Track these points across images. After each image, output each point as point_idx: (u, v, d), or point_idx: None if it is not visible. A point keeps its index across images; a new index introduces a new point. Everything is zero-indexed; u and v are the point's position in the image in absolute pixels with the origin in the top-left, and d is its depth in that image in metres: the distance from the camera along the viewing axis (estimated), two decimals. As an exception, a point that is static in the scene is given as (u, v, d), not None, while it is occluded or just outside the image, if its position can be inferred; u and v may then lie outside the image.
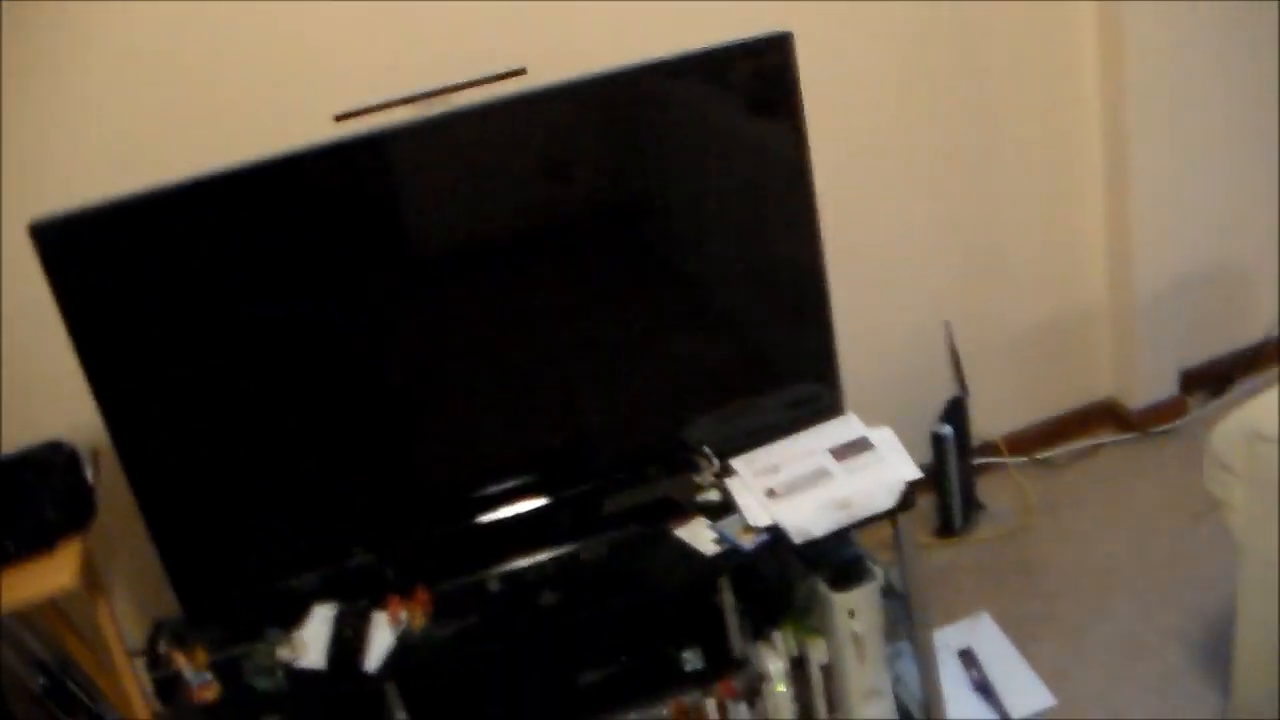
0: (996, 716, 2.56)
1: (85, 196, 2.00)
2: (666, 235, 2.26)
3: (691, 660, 2.37)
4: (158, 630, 2.27)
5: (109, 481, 2.33)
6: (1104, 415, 3.37)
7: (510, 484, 2.28)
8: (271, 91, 2.34)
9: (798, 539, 2.15)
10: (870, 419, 2.33)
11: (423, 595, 2.16)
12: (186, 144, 2.31)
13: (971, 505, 3.13)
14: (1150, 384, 3.27)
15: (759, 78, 2.19)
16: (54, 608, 2.42)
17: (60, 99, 2.23)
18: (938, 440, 2.96)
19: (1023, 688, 2.62)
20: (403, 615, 2.14)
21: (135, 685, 2.49)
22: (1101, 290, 3.20)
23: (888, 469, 2.23)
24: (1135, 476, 3.18)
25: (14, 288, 2.43)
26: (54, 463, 2.27)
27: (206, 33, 2.25)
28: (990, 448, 3.26)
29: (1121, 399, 3.33)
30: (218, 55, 2.28)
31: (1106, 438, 3.34)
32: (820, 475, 2.23)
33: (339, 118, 2.17)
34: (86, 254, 2.01)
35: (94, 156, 2.31)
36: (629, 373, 2.29)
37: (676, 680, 2.37)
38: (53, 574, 2.20)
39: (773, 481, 2.23)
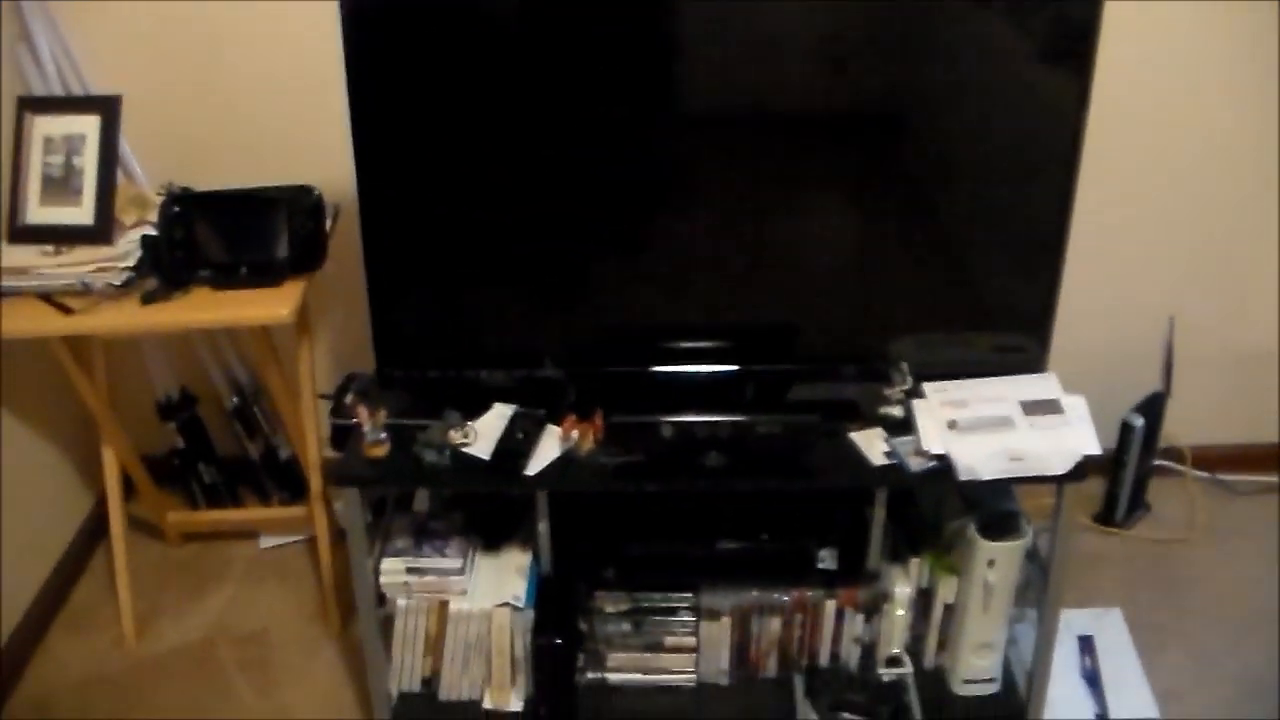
0: (1096, 709, 2.57)
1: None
2: (924, 154, 2.25)
3: (826, 559, 2.43)
4: (349, 382, 2.40)
5: (343, 238, 2.46)
6: (1300, 459, 3.28)
7: (710, 344, 2.34)
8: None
9: (963, 476, 2.17)
10: (1069, 386, 2.32)
11: (598, 421, 2.24)
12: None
13: (1139, 503, 3.10)
14: (1359, 441, 3.17)
15: (1060, 25, 2.15)
16: (265, 338, 2.59)
17: None
18: (1126, 429, 2.92)
19: (1131, 692, 2.62)
20: (574, 434, 2.23)
21: (314, 426, 2.67)
22: (1336, 333, 3.09)
23: (1070, 436, 2.22)
24: (1313, 527, 3.10)
25: (307, 45, 2.61)
26: (301, 205, 2.41)
27: None
28: (1175, 453, 3.20)
29: (1322, 448, 3.24)
30: None
31: (1296, 481, 3.25)
32: (1004, 422, 2.23)
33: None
34: (384, 22, 2.10)
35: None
36: (854, 273, 2.32)
37: (807, 574, 2.44)
38: (274, 305, 2.35)
39: (957, 414, 2.24)
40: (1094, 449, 2.21)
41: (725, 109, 2.22)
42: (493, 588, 2.42)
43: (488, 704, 2.50)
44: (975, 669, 2.48)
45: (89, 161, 2.47)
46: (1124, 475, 3.00)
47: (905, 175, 2.27)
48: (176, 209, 2.39)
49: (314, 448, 2.69)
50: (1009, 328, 2.36)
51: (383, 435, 2.26)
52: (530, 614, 2.41)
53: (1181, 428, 3.15)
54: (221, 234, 2.40)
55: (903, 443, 2.24)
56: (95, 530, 3.06)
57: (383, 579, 2.39)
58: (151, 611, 2.90)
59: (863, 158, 2.25)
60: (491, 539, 2.50)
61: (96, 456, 2.79)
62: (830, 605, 2.45)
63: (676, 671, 2.53)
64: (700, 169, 2.26)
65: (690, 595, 2.47)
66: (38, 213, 2.48)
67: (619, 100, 2.19)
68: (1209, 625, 2.79)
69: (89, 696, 2.69)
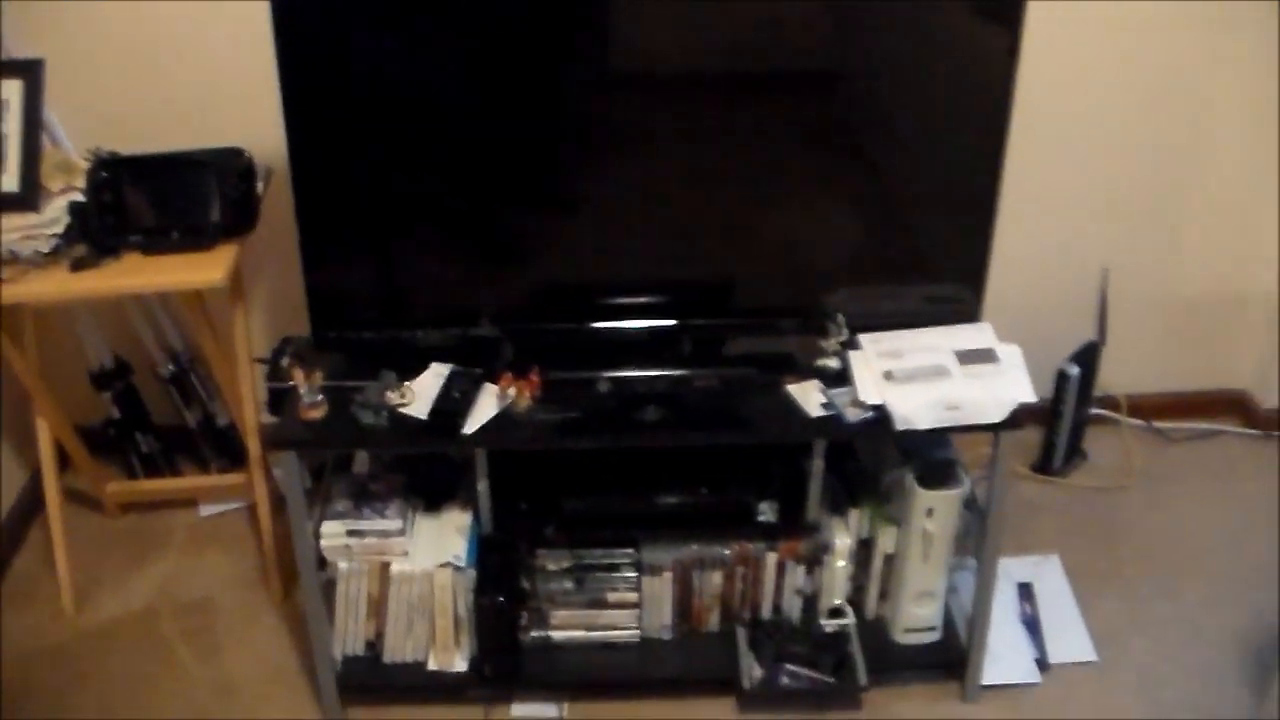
0: (1035, 654, 2.61)
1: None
2: (858, 108, 2.26)
3: (766, 512, 2.45)
4: (284, 345, 2.38)
5: (274, 202, 2.44)
6: (1233, 405, 3.32)
7: (647, 299, 2.34)
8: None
9: (900, 425, 2.19)
10: (1004, 335, 2.34)
11: (535, 378, 2.23)
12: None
13: (1076, 451, 3.14)
14: (1288, 387, 3.24)
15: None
16: (198, 303, 2.55)
17: None
18: (1062, 378, 2.96)
19: (1069, 636, 2.66)
20: (510, 391, 2.22)
21: (251, 391, 2.65)
22: (1266, 283, 3.13)
23: (1005, 385, 2.24)
24: (1246, 472, 3.15)
25: (234, 8, 2.59)
26: (230, 168, 2.38)
27: None
28: (1111, 401, 3.25)
29: (1255, 394, 3.28)
30: None
31: (1229, 427, 3.29)
32: (939, 372, 2.25)
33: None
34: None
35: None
36: (789, 226, 2.31)
37: (747, 527, 2.46)
38: (206, 268, 2.33)
39: (893, 365, 2.26)
40: (1029, 397, 2.23)
41: (658, 66, 2.22)
42: (434, 548, 2.41)
43: (432, 665, 2.50)
44: (916, 618, 2.51)
45: (12, 127, 2.42)
46: (1060, 424, 3.03)
47: (839, 129, 2.28)
48: (104, 174, 2.36)
49: (251, 413, 2.67)
50: (944, 278, 2.38)
51: (319, 398, 2.24)
52: (472, 573, 2.40)
53: (1117, 376, 3.19)
54: (151, 198, 2.37)
55: (840, 394, 2.25)
56: (32, 504, 3.02)
57: (323, 542, 2.37)
58: (92, 583, 2.87)
59: (797, 113, 2.26)
60: (431, 499, 2.49)
61: (30, 429, 2.76)
62: (771, 558, 2.47)
63: (620, 627, 2.53)
64: (634, 126, 2.25)
65: (631, 551, 2.48)
66: (-40, 181, 2.43)
67: (550, 58, 2.19)
68: (1145, 570, 2.84)
69: (31, 669, 2.66)
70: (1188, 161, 2.95)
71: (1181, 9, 2.73)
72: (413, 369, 2.29)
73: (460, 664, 2.50)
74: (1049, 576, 2.80)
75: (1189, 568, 2.84)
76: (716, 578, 2.49)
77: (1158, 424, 3.28)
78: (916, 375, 2.25)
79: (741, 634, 2.52)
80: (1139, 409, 3.27)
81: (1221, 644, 2.64)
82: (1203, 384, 3.30)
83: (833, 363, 2.31)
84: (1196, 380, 3.29)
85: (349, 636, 2.50)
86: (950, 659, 2.53)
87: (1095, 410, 3.18)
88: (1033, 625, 2.67)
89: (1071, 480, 3.12)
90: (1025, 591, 2.75)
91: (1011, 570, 2.78)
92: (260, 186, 2.46)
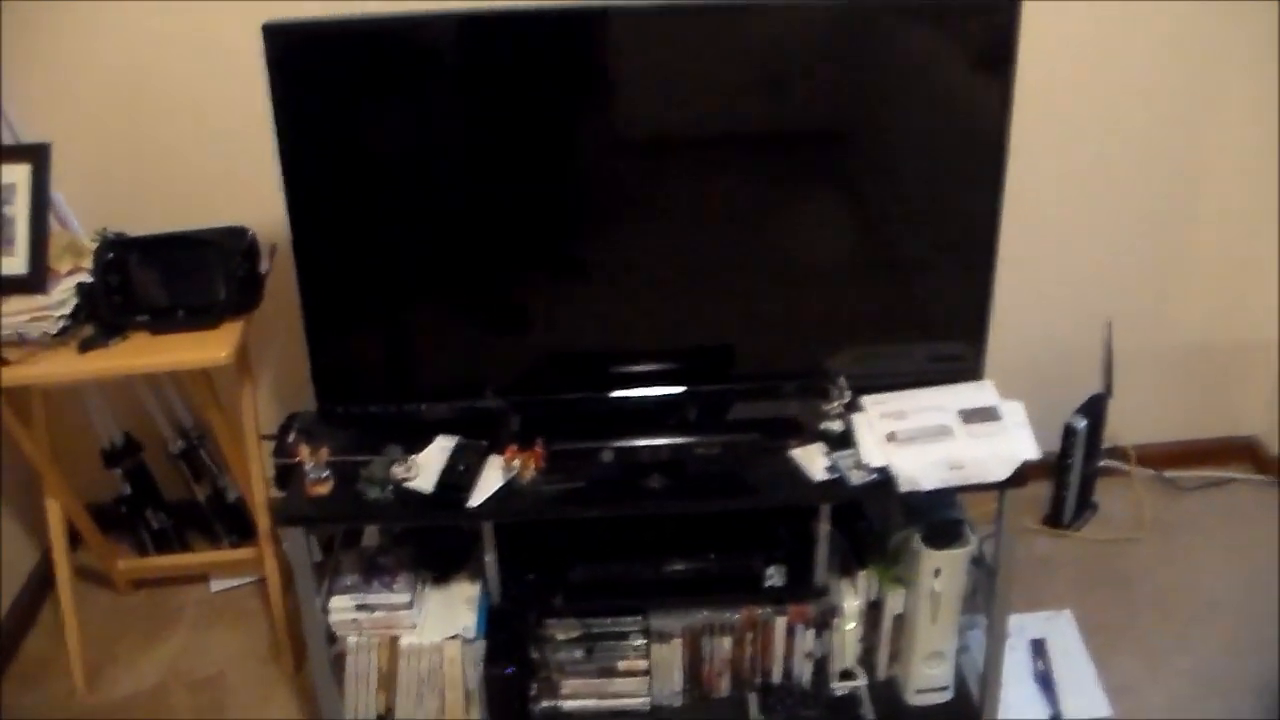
0: (1049, 710, 2.59)
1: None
2: (859, 168, 2.28)
3: (774, 577, 2.44)
4: (290, 421, 2.40)
5: (279, 278, 2.46)
6: (1243, 452, 3.31)
7: (649, 367, 2.35)
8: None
9: (904, 487, 2.19)
10: (1009, 392, 2.34)
11: (539, 449, 2.25)
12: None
13: (1086, 504, 3.13)
14: (1299, 433, 3.23)
15: (982, 35, 2.18)
16: (206, 380, 2.57)
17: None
18: (1069, 431, 2.95)
19: (1084, 692, 2.64)
20: (515, 463, 2.23)
21: (259, 467, 2.66)
22: (1270, 328, 3.13)
23: (1009, 443, 2.24)
24: (1259, 519, 3.13)
25: (234, 88, 2.60)
26: (234, 247, 2.41)
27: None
28: (1119, 453, 3.24)
29: (1265, 440, 3.27)
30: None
31: (1240, 474, 3.28)
32: (942, 432, 2.25)
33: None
34: (309, 62, 2.11)
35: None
36: (790, 290, 2.33)
37: (755, 592, 2.45)
38: (212, 347, 2.35)
39: (896, 426, 2.26)
40: (1032, 454, 2.23)
41: (658, 133, 2.24)
42: (442, 620, 2.42)
43: (443, 737, 2.50)
44: (928, 678, 2.50)
45: (20, 211, 2.45)
46: (1069, 477, 3.03)
47: (837, 190, 2.29)
48: (111, 255, 2.38)
49: (260, 488, 2.68)
50: (945, 337, 2.39)
51: (325, 473, 2.25)
52: (481, 645, 2.41)
53: (1125, 427, 3.18)
54: (157, 278, 2.40)
55: (843, 457, 2.25)
56: (43, 582, 3.03)
57: (332, 617, 2.38)
58: (104, 660, 2.87)
59: (796, 177, 2.27)
60: (440, 571, 2.49)
61: (40, 508, 2.77)
62: (780, 622, 2.46)
63: (630, 695, 2.53)
64: (634, 193, 2.27)
65: (640, 618, 2.48)
66: (-30, 264, 2.46)
67: (552, 128, 2.20)
68: (1159, 622, 2.82)
69: (43, 749, 2.67)
70: (1186, 209, 2.96)
71: (1175, 57, 2.75)
72: (419, 442, 2.30)
73: (472, 736, 2.50)
74: (1062, 632, 2.78)
75: (1203, 618, 2.82)
76: (726, 643, 2.48)
77: (1168, 474, 3.27)
78: (920, 436, 2.25)
79: (753, 699, 2.52)
80: (1149, 459, 3.26)
81: (1237, 694, 2.61)
82: (1211, 432, 3.29)
83: (836, 425, 2.31)
84: (1205, 428, 3.29)
85: (360, 710, 2.49)
86: (963, 718, 2.51)
87: (1105, 462, 3.17)
88: (1046, 682, 2.65)
89: (1083, 533, 3.11)
90: (1038, 648, 2.73)
91: (1024, 626, 2.77)
92: (264, 264, 2.48)
